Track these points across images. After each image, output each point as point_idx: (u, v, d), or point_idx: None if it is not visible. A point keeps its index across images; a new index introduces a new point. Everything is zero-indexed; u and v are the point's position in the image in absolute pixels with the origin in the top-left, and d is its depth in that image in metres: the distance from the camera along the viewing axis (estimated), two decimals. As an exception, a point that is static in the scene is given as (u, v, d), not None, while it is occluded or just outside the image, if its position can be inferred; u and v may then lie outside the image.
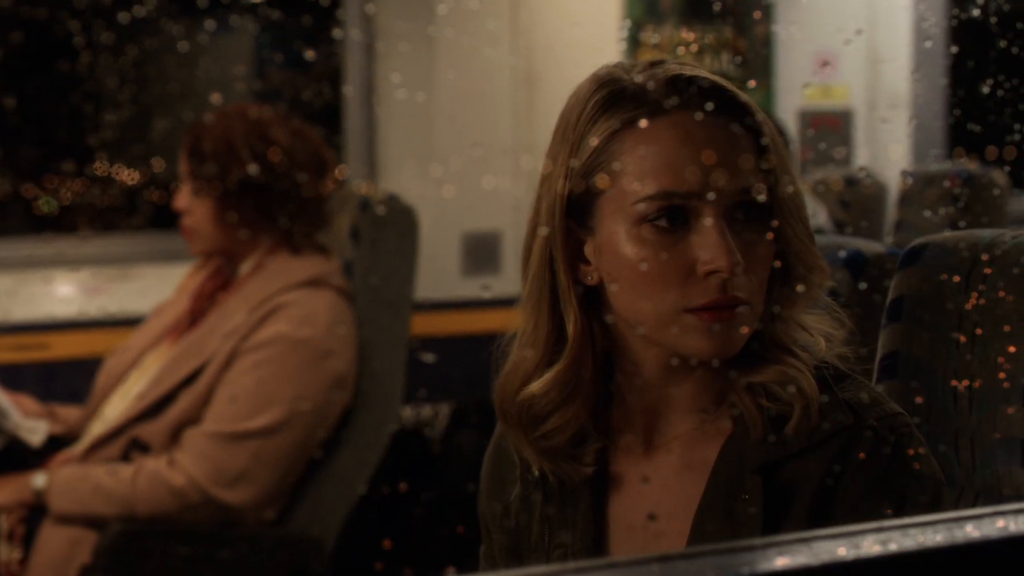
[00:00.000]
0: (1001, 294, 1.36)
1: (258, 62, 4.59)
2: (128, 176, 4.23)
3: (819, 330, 1.25)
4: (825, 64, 4.59)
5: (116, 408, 2.66)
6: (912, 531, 0.65)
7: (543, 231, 1.23)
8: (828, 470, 1.18)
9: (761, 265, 1.20)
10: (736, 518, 1.20)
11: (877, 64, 4.62)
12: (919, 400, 1.41)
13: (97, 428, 2.65)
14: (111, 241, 3.86)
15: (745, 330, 1.19)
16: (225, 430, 2.50)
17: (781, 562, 0.63)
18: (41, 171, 4.15)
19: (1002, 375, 1.34)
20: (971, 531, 0.66)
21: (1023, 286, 1.35)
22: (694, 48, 4.49)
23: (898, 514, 1.17)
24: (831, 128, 4.71)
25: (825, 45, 4.64)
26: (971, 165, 4.01)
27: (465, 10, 3.81)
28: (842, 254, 1.59)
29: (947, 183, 3.91)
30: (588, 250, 1.23)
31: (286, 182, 2.63)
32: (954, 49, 4.64)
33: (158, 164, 4.26)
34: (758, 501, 1.19)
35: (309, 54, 4.41)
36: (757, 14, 4.63)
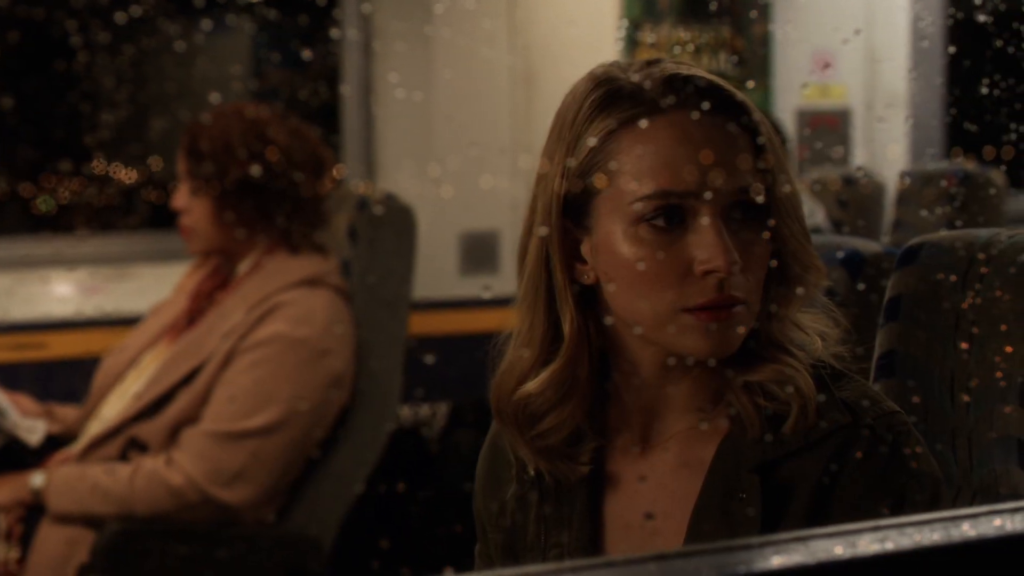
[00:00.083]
0: (998, 293, 1.35)
1: (255, 62, 4.58)
2: (126, 175, 4.23)
3: (815, 329, 1.25)
4: (826, 66, 4.58)
5: (114, 408, 2.66)
6: (909, 530, 0.65)
7: (539, 230, 1.23)
8: (825, 469, 1.18)
9: (758, 265, 1.20)
10: (733, 517, 1.19)
11: (875, 64, 4.62)
12: (916, 399, 1.41)
13: (95, 427, 2.65)
14: (109, 240, 3.86)
15: (742, 330, 1.19)
16: (223, 429, 2.50)
17: (778, 561, 0.62)
18: (39, 170, 4.14)
19: (999, 374, 1.34)
20: (968, 530, 0.66)
21: (1019, 285, 1.35)
22: (691, 47, 4.48)
23: (896, 513, 1.16)
24: (829, 127, 4.71)
25: (823, 45, 4.63)
26: (968, 164, 4.00)
27: (462, 9, 3.80)
28: (840, 253, 1.59)
29: (944, 182, 3.90)
30: (584, 249, 1.23)
31: (284, 181, 2.62)
32: (951, 49, 4.64)
33: (156, 163, 4.25)
34: (755, 500, 1.18)
35: (306, 54, 4.41)
36: (755, 13, 4.63)
